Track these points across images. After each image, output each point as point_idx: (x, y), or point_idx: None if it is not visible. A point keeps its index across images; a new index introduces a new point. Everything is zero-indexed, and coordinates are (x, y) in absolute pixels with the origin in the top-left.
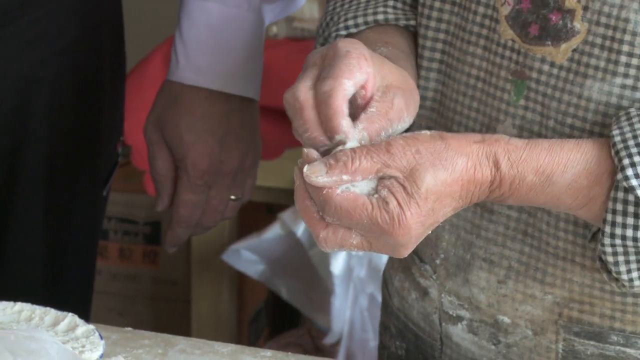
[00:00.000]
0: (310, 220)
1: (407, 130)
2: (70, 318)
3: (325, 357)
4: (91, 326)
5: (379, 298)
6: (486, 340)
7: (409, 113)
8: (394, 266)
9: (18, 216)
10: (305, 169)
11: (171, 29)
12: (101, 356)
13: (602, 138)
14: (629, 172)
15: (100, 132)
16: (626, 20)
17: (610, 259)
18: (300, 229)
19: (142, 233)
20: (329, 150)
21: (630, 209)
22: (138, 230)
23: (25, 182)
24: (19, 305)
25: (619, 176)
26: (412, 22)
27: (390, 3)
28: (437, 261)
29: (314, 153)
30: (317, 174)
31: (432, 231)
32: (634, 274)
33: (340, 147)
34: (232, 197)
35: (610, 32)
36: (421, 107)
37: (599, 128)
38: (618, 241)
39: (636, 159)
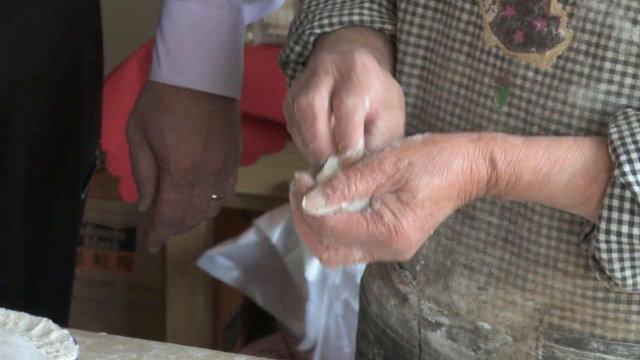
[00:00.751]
0: (311, 243)
1: None
2: (44, 323)
3: None
4: (65, 331)
5: (354, 304)
6: (465, 346)
7: (402, 126)
8: (372, 273)
9: None
10: (303, 203)
11: (147, 34)
12: None
13: (599, 137)
14: (626, 168)
15: (79, 135)
16: (611, 27)
17: (604, 256)
18: (275, 235)
19: (117, 239)
20: (321, 166)
21: (627, 205)
22: (113, 236)
23: (6, 184)
24: None
25: (616, 172)
26: (387, 26)
27: (366, 5)
28: (417, 267)
29: (305, 178)
30: (316, 206)
31: None
32: (627, 272)
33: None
34: (214, 196)
35: (595, 39)
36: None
37: (583, 134)
38: (613, 237)
39: (633, 155)
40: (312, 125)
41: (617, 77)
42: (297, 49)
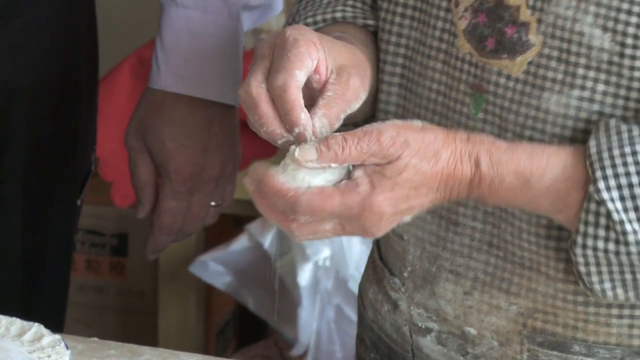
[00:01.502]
0: (277, 217)
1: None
2: (36, 328)
3: None
4: (57, 336)
5: (346, 310)
6: (455, 351)
7: (365, 89)
8: (369, 279)
9: None
10: (296, 153)
11: (139, 40)
12: None
13: (581, 146)
14: (601, 184)
15: (77, 138)
16: (580, 34)
17: (582, 269)
18: (267, 241)
19: (109, 245)
20: (288, 141)
21: (602, 221)
22: (105, 242)
23: (5, 187)
24: None
25: (591, 188)
26: (370, 22)
27: (350, 2)
28: (405, 274)
29: (262, 166)
30: (307, 158)
31: (398, 245)
32: (607, 285)
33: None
34: (212, 203)
35: (565, 45)
36: (383, 121)
37: (557, 140)
38: (590, 252)
39: (608, 172)
40: (255, 111)
41: (589, 84)
42: None
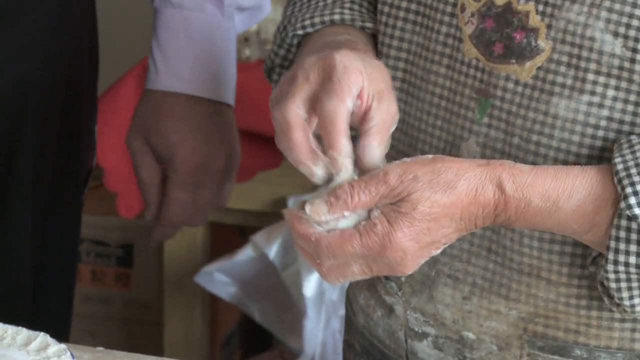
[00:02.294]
0: (308, 259)
1: None
2: (42, 337)
3: None
4: (63, 345)
5: None
6: (452, 356)
7: (397, 112)
8: (358, 284)
9: (6, 225)
10: (307, 210)
11: (143, 51)
12: None
13: (606, 165)
14: (632, 200)
15: (79, 140)
16: (592, 39)
17: (613, 285)
18: (272, 252)
19: (115, 255)
20: (312, 173)
21: (634, 236)
22: (110, 252)
23: (15, 190)
24: None
25: (622, 205)
26: (368, 24)
27: (347, 5)
28: (402, 278)
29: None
30: (319, 213)
31: None
32: (636, 300)
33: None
34: None
35: (576, 51)
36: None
37: (565, 145)
38: (621, 268)
39: (639, 187)
40: (287, 137)
41: (599, 89)
42: (282, 52)
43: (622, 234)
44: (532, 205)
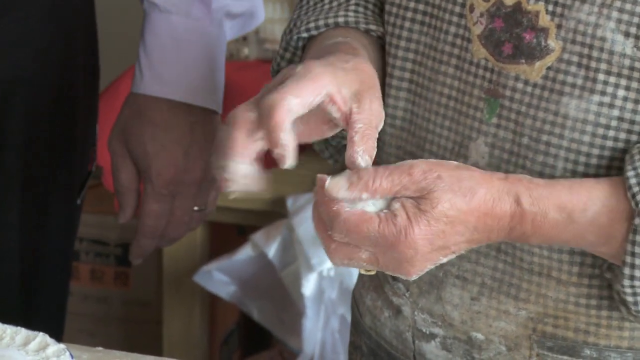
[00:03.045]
0: (319, 228)
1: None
2: (41, 337)
3: None
4: (62, 345)
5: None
6: (460, 356)
7: (383, 108)
8: (365, 286)
9: None
10: (327, 182)
11: None
12: None
13: (619, 177)
14: None
15: (74, 140)
16: (602, 39)
17: (630, 299)
18: (271, 251)
19: (114, 254)
20: (224, 172)
21: None
22: (109, 251)
23: (2, 184)
24: None
25: (637, 221)
26: (372, 27)
27: (352, 7)
28: (410, 279)
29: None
30: (338, 188)
31: None
32: None
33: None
34: (196, 207)
35: (586, 50)
36: (392, 126)
37: (576, 145)
38: (637, 283)
39: None
40: (229, 134)
41: (610, 89)
42: (287, 55)
43: (638, 250)
44: (548, 217)
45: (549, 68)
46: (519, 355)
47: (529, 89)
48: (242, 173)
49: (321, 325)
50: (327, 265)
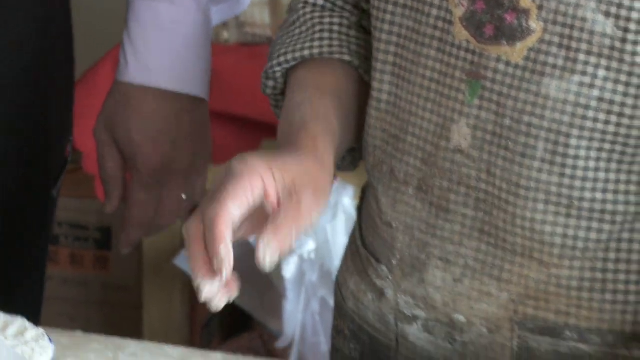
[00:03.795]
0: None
1: (359, 148)
2: (20, 322)
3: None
4: (41, 330)
5: (331, 302)
6: (442, 339)
7: (320, 204)
8: (349, 270)
9: None
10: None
11: (121, 34)
12: None
13: None
14: None
15: (50, 130)
16: (583, 20)
17: None
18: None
19: (93, 238)
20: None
21: None
22: (89, 235)
23: None
24: None
25: None
26: (346, 57)
27: (326, 35)
28: (394, 262)
29: None
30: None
31: (387, 233)
32: None
33: None
34: (184, 196)
35: (567, 31)
36: (377, 109)
37: (556, 125)
38: None
39: None
40: (188, 249)
41: (590, 69)
42: (270, 84)
43: None
44: None
45: (530, 49)
46: (500, 337)
47: (510, 70)
48: (216, 289)
49: (302, 307)
50: (308, 248)
